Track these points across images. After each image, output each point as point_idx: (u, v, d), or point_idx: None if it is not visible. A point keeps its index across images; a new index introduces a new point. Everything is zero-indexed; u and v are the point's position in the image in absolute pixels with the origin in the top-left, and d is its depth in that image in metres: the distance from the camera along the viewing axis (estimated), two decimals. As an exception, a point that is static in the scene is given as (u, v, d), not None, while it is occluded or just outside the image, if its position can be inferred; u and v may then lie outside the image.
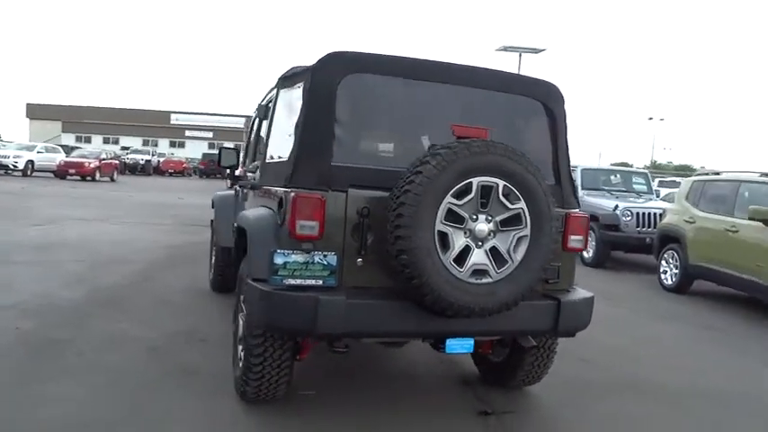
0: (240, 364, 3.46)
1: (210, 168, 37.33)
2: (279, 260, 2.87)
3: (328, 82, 3.06)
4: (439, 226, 2.77)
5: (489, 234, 2.87)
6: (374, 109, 3.25)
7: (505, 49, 24.29)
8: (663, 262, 8.50)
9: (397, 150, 3.27)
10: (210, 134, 58.24)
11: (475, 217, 2.85)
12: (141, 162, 35.94)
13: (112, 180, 27.30)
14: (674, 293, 8.04)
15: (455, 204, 2.80)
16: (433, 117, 3.35)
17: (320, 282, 2.90)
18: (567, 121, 3.54)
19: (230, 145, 6.49)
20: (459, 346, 3.09)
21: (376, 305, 2.94)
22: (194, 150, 51.84)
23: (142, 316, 5.20)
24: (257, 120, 4.58)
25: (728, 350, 5.54)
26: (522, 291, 2.93)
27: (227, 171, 5.56)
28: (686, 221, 8.13)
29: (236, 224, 3.71)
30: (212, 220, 6.64)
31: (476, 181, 2.81)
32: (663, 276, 8.46)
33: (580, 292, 3.40)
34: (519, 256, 2.92)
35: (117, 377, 3.77)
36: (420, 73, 3.22)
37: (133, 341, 4.47)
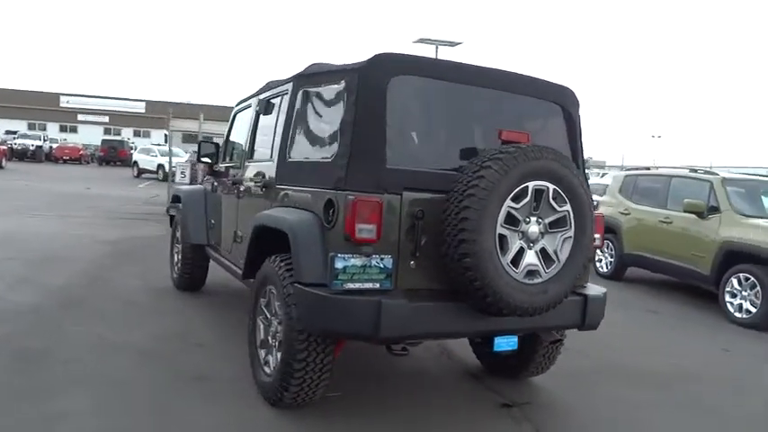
0: (271, 370, 3.37)
1: (111, 155, 35.22)
2: (339, 264, 2.83)
3: (378, 83, 3.02)
4: (499, 229, 2.84)
5: (540, 236, 2.99)
6: (418, 111, 3.24)
7: (422, 41, 24.67)
8: (597, 251, 9.09)
9: (443, 153, 3.28)
10: (106, 119, 54.58)
11: (528, 219, 2.95)
12: (32, 148, 33.06)
13: (1, 167, 24.98)
14: (611, 280, 8.64)
15: (513, 208, 2.88)
16: (471, 120, 3.40)
17: (377, 285, 2.89)
18: (582, 124, 3.72)
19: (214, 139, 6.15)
20: (506, 344, 3.20)
21: (434, 307, 2.97)
22: (89, 136, 48.42)
23: (113, 319, 4.88)
24: (255, 115, 4.40)
25: (682, 333, 6.07)
26: (567, 289, 3.07)
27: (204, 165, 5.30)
28: (621, 213, 8.74)
29: (257, 224, 3.57)
30: (173, 216, 6.35)
31: (531, 185, 2.91)
32: (598, 264, 9.06)
33: (595, 288, 3.60)
34: (564, 256, 3.05)
35: (122, 386, 3.54)
36: (460, 76, 3.26)
37: (119, 347, 4.20)
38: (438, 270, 2.99)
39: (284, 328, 3.15)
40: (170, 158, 14.44)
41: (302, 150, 3.59)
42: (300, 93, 3.65)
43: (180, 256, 5.95)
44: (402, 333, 2.88)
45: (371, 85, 3.03)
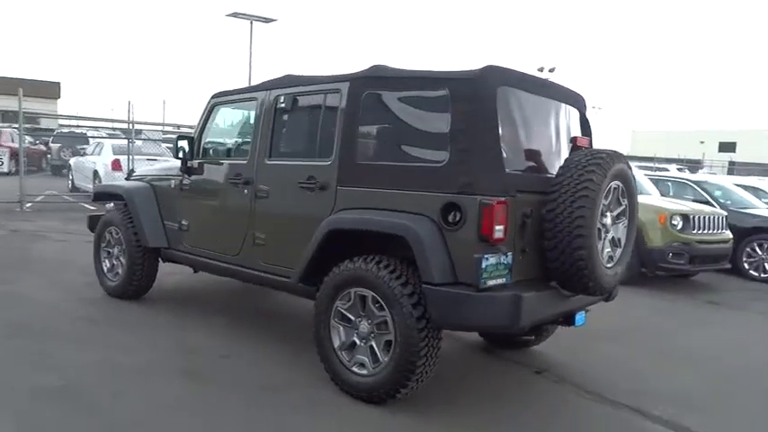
0: (370, 370, 3.45)
1: None
2: (484, 264, 3.06)
3: (490, 92, 3.26)
4: (598, 224, 3.34)
5: (611, 226, 3.56)
6: (514, 120, 3.53)
7: (236, 15, 23.81)
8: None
9: (533, 157, 3.62)
10: None
11: (606, 213, 3.49)
12: None
13: None
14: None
15: (604, 204, 3.40)
16: (545, 127, 3.79)
17: (503, 280, 3.19)
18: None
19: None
20: (581, 319, 3.72)
21: (546, 295, 3.36)
22: None
23: (94, 341, 4.32)
24: (275, 110, 4.20)
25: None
26: (623, 270, 3.70)
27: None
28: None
29: (337, 227, 3.55)
30: (95, 217, 5.69)
31: (613, 184, 3.45)
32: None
33: None
34: (623, 242, 3.67)
35: (206, 412, 3.31)
36: (539, 89, 3.68)
37: (147, 371, 3.81)
38: (534, 261, 3.40)
39: (401, 326, 3.26)
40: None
41: (380, 153, 3.66)
42: (365, 94, 3.67)
43: (124, 262, 5.35)
44: (531, 321, 3.25)
45: (485, 93, 3.26)
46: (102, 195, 5.94)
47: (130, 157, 12.18)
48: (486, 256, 3.08)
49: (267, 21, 24.44)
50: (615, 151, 3.51)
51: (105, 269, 5.61)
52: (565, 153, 3.90)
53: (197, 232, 4.81)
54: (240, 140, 4.75)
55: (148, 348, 4.22)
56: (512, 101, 3.45)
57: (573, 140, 3.62)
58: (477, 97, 3.25)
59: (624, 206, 3.65)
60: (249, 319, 5.15)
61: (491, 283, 3.12)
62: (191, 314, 5.12)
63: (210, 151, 4.92)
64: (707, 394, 4.14)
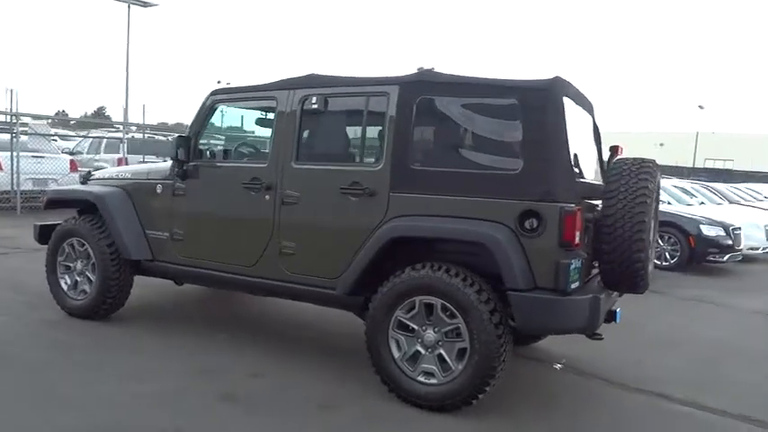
0: (440, 379, 3.41)
1: None
2: (569, 269, 3.16)
3: (561, 103, 3.35)
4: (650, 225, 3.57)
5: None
6: (569, 129, 3.63)
7: (112, -2, 21.93)
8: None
9: (579, 165, 3.74)
10: None
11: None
12: None
13: None
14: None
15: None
16: (580, 135, 3.93)
17: (577, 283, 3.31)
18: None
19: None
20: (619, 315, 3.93)
21: (606, 295, 3.53)
22: None
23: (79, 367, 3.85)
24: (302, 111, 3.97)
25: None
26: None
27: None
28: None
29: (402, 234, 3.46)
30: (48, 227, 5.04)
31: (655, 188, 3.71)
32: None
33: None
34: (653, 242, 3.96)
35: (253, 423, 3.09)
36: (579, 99, 3.82)
37: (185, 409, 3.46)
38: (588, 262, 3.57)
39: (480, 333, 3.26)
40: None
41: (438, 159, 3.63)
42: (420, 99, 3.59)
43: (93, 277, 4.77)
44: (601, 321, 3.39)
45: (557, 104, 3.34)
46: (58, 202, 5.22)
47: (14, 154, 10.82)
48: (571, 261, 3.18)
49: (146, 5, 22.78)
50: (653, 160, 3.77)
51: (65, 287, 4.96)
52: (591, 159, 4.12)
53: (195, 242, 4.41)
54: (253, 142, 4.43)
55: (162, 374, 3.83)
56: (567, 111, 3.58)
57: (613, 149, 3.83)
58: (552, 107, 3.33)
59: (654, 204, 3.93)
60: (253, 332, 4.82)
61: (573, 287, 3.22)
62: (183, 332, 4.69)
63: (208, 153, 4.54)
64: (705, 375, 4.55)
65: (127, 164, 13.01)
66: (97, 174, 5.31)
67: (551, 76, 3.40)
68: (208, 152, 4.52)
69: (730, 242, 9.70)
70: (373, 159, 3.74)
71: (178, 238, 4.48)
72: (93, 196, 4.77)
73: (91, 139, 15.42)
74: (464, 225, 3.38)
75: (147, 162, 13.77)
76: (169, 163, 4.69)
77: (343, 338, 4.77)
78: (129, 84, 23.10)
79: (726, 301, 7.51)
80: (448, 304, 3.37)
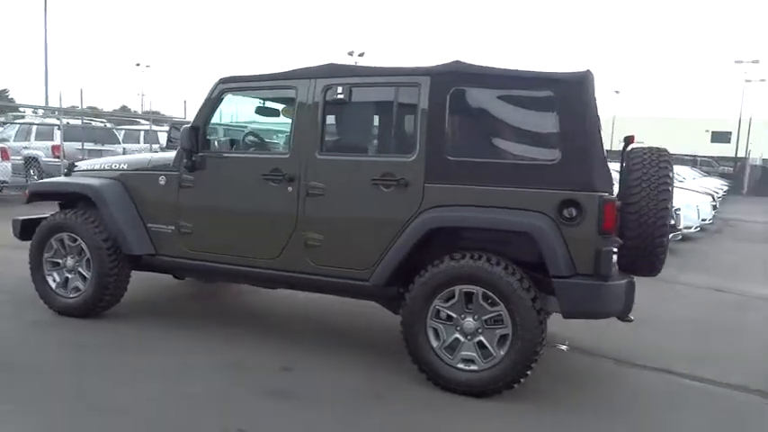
0: (481, 365, 3.50)
1: None
2: (610, 255, 3.31)
3: (593, 94, 3.47)
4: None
5: None
6: None
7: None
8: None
9: None
10: None
11: None
12: None
13: None
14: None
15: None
16: None
17: (613, 269, 3.47)
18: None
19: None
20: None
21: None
22: None
23: (106, 369, 3.68)
24: (324, 102, 3.90)
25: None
26: None
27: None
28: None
29: (442, 225, 3.50)
30: (31, 221, 4.76)
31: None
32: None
33: None
34: None
35: (308, 416, 3.08)
36: None
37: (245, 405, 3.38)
38: None
39: (523, 319, 3.37)
40: None
41: (473, 150, 3.67)
42: (453, 90, 3.63)
43: (87, 274, 4.52)
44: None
45: (590, 95, 3.46)
46: (43, 195, 4.88)
47: None
48: (611, 248, 3.33)
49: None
50: (666, 149, 3.99)
51: (54, 284, 4.67)
52: None
53: (206, 235, 4.26)
54: (270, 132, 4.31)
55: (197, 372, 3.73)
56: None
57: (628, 139, 4.01)
58: (587, 99, 3.45)
59: None
60: (262, 326, 4.74)
61: (611, 273, 3.38)
62: (192, 328, 4.55)
63: (217, 143, 4.38)
64: (697, 350, 4.87)
65: (63, 152, 12.32)
66: (82, 165, 5.00)
67: (584, 69, 3.52)
68: (217, 142, 4.37)
69: (673, 222, 10.38)
70: (406, 150, 3.74)
71: (186, 232, 4.32)
72: (89, 189, 4.50)
73: (17, 126, 14.37)
74: (507, 215, 3.46)
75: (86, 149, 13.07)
76: (171, 153, 4.50)
77: (356, 328, 4.80)
78: (48, 66, 21.68)
79: (678, 279, 8.01)
80: (489, 292, 3.45)
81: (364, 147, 4.01)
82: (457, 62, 3.70)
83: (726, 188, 22.84)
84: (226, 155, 4.27)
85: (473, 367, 3.54)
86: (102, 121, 15.68)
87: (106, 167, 4.74)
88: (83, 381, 3.50)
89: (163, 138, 16.08)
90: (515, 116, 3.66)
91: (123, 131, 15.45)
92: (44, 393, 3.33)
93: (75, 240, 4.56)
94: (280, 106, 4.51)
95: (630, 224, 3.66)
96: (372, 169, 3.77)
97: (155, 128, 15.01)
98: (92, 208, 4.56)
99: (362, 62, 41.15)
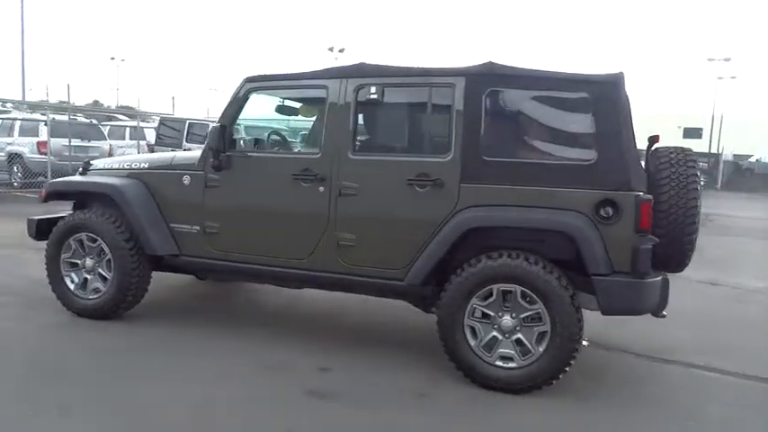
0: (519, 362, 3.56)
1: None
2: (650, 253, 3.39)
3: (626, 95, 3.54)
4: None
5: None
6: None
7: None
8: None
9: None
10: None
11: None
12: None
13: None
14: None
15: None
16: None
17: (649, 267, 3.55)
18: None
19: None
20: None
21: None
22: None
23: (139, 373, 3.65)
24: (356, 102, 3.90)
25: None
26: None
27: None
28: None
29: (480, 224, 3.54)
30: (46, 221, 4.70)
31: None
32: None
33: None
34: None
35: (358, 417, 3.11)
36: None
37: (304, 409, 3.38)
38: None
39: (562, 317, 3.43)
40: None
41: (509, 150, 3.71)
42: (489, 91, 3.66)
43: (108, 274, 4.46)
44: None
45: (624, 96, 3.52)
46: (60, 194, 4.79)
47: None
48: (650, 245, 3.41)
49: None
50: (690, 148, 4.08)
51: (72, 286, 4.60)
52: None
53: (233, 235, 4.24)
54: (298, 131, 4.30)
55: (235, 374, 3.71)
56: None
57: (653, 139, 4.09)
58: (621, 100, 3.51)
59: None
60: (285, 326, 4.72)
61: (649, 270, 3.46)
62: (218, 328, 4.53)
63: (242, 142, 4.36)
64: (710, 343, 4.98)
65: (50, 148, 12.09)
66: (98, 163, 4.92)
67: (617, 71, 3.59)
68: (243, 141, 4.34)
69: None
70: (441, 150, 3.77)
71: (212, 232, 4.28)
72: (111, 188, 4.43)
73: (0, 121, 14.01)
74: (546, 214, 3.51)
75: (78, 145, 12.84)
76: (194, 153, 4.46)
77: (382, 327, 4.83)
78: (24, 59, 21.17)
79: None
80: (528, 291, 3.50)
81: (398, 147, 4.02)
82: (491, 63, 3.74)
83: (702, 183, 23.37)
84: (255, 154, 4.24)
85: (511, 364, 3.59)
86: (91, 119, 15.36)
87: (125, 166, 4.67)
88: (121, 385, 3.46)
89: (148, 134, 15.87)
90: (550, 117, 3.71)
91: (108, 128, 15.16)
92: (85, 399, 3.27)
93: (95, 241, 4.49)
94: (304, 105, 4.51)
95: (660, 222, 3.73)
96: (407, 169, 3.78)
97: (141, 124, 14.74)
98: (110, 207, 4.50)
99: (342, 58, 41.29)
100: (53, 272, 4.61)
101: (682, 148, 3.95)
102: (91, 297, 4.55)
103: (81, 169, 4.86)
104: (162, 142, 13.22)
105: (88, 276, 4.57)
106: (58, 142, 12.53)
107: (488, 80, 3.69)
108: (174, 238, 4.41)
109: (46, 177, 12.35)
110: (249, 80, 4.24)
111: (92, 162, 4.93)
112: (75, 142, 12.79)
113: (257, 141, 4.48)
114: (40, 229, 4.72)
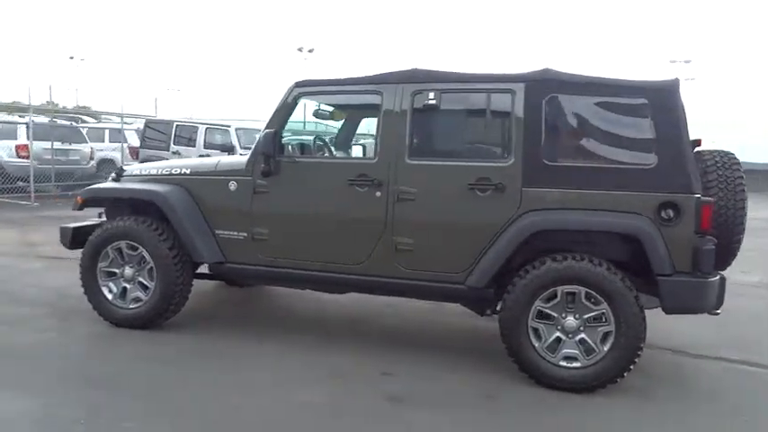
0: (585, 361, 3.64)
1: None
2: (713, 253, 3.52)
3: (681, 101, 3.66)
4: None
5: None
6: None
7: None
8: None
9: None
10: None
11: None
12: None
13: None
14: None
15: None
16: None
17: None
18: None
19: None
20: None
21: None
22: None
23: (209, 385, 3.61)
24: (412, 109, 3.92)
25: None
26: None
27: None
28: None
29: (547, 227, 3.61)
30: (82, 229, 4.60)
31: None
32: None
33: None
34: None
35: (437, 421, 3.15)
36: None
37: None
38: None
39: (627, 317, 3.52)
40: None
41: (570, 155, 3.81)
42: (549, 97, 3.73)
43: (150, 284, 4.37)
44: None
45: (680, 102, 3.64)
46: (99, 201, 4.66)
47: None
48: (712, 246, 3.54)
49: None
50: (732, 152, 4.23)
51: (111, 295, 4.49)
52: None
53: (284, 242, 4.21)
54: (352, 137, 4.29)
55: (301, 380, 3.69)
56: None
57: (696, 142, 4.24)
58: (678, 106, 3.63)
59: None
60: (328, 332, 4.71)
61: (712, 270, 3.59)
62: (265, 335, 4.50)
63: (291, 147, 4.33)
64: (742, 339, 5.08)
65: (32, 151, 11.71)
66: (132, 169, 4.81)
67: (673, 77, 3.71)
68: (292, 147, 4.31)
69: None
70: (501, 155, 3.82)
71: (261, 239, 4.24)
72: (153, 195, 4.35)
73: (-24, 124, 13.43)
74: (611, 217, 3.61)
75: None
76: (239, 158, 4.41)
77: (434, 330, 4.88)
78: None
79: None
80: (593, 292, 3.59)
81: (456, 152, 4.06)
82: (548, 69, 3.81)
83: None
84: (306, 159, 4.22)
85: (576, 364, 3.67)
86: (71, 121, 14.89)
87: (164, 172, 4.58)
88: (185, 395, 3.41)
89: (129, 135, 15.49)
90: (609, 122, 3.80)
91: (86, 129, 14.72)
92: (152, 411, 3.22)
93: (136, 249, 4.40)
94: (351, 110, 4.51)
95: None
96: (468, 174, 3.83)
97: (124, 126, 14.39)
98: (144, 214, 4.42)
99: (312, 58, 41.04)
100: (89, 282, 4.49)
101: (725, 151, 4.10)
102: (131, 306, 4.45)
103: (114, 175, 4.74)
104: (147, 145, 12.90)
105: (127, 285, 4.47)
106: (39, 145, 12.13)
107: (548, 86, 3.76)
108: (219, 245, 4.35)
109: (26, 182, 11.97)
110: (298, 85, 4.22)
111: (125, 168, 4.81)
112: (56, 145, 12.40)
113: (303, 146, 4.46)
114: (75, 238, 4.59)
